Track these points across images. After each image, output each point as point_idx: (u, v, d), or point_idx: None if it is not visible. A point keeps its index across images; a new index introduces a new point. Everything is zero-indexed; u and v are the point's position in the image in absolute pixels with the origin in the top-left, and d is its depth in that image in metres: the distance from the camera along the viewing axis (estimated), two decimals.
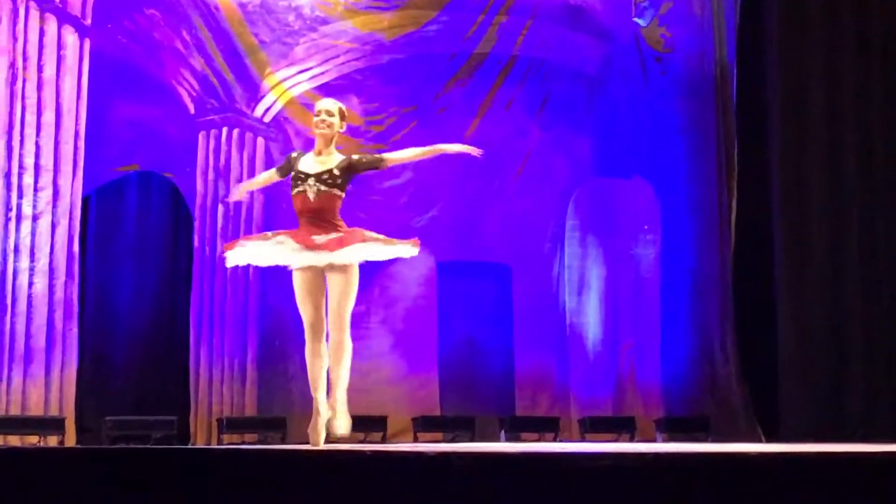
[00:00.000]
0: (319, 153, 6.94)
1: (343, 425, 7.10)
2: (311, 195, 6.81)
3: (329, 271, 6.81)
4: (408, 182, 13.02)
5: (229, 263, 7.06)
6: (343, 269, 6.77)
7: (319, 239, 6.72)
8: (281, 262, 6.96)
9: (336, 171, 6.84)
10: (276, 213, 12.64)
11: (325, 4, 12.65)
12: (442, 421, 12.43)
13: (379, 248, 6.82)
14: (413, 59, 13.05)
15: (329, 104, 7.00)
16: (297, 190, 6.85)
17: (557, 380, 13.26)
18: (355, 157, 6.95)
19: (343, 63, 12.83)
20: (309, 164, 6.93)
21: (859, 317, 12.41)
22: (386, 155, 7.10)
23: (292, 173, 6.92)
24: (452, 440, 11.94)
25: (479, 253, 13.34)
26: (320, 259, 6.72)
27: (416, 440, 12.05)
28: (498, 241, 13.34)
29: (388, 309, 12.87)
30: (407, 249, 6.91)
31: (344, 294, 6.83)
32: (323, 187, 6.82)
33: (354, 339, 12.52)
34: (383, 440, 11.92)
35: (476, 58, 13.31)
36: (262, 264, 7.15)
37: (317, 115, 6.98)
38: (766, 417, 12.72)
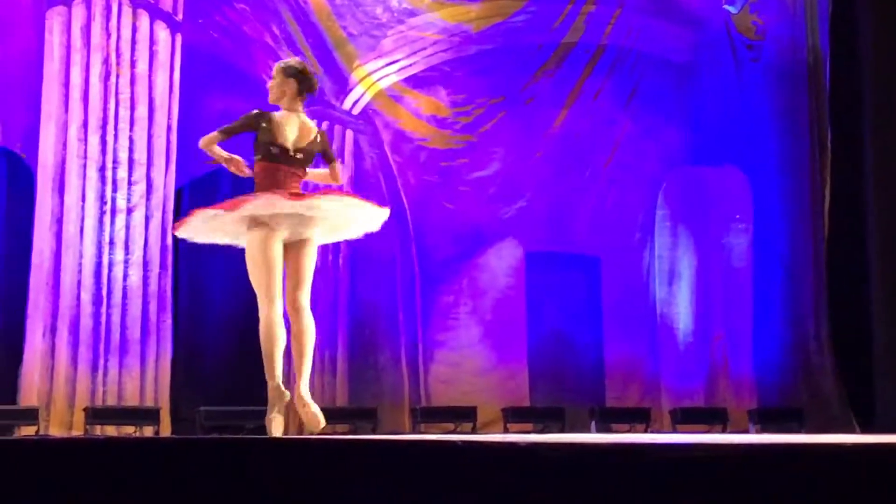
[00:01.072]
0: (289, 116, 6.80)
1: (321, 415, 6.59)
2: (291, 152, 6.70)
3: (296, 237, 6.53)
4: (496, 173, 13.00)
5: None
6: (309, 241, 6.54)
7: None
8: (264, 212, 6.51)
9: (318, 138, 6.82)
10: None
11: None
12: (532, 411, 12.41)
13: (355, 208, 6.73)
14: (500, 49, 13.03)
15: (273, 67, 6.89)
16: (274, 162, 6.71)
17: (648, 370, 13.18)
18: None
19: (431, 55, 12.84)
20: (288, 124, 6.77)
21: None
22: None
23: (267, 142, 6.78)
24: (542, 431, 11.92)
25: (568, 244, 13.29)
26: (303, 207, 6.39)
27: (506, 431, 12.05)
28: (587, 231, 13.28)
29: (477, 299, 12.87)
30: (382, 213, 6.85)
31: (311, 265, 6.58)
32: (303, 147, 6.75)
33: (443, 330, 12.61)
34: (473, 431, 11.93)
35: (564, 48, 13.25)
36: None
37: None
38: (861, 408, 12.55)
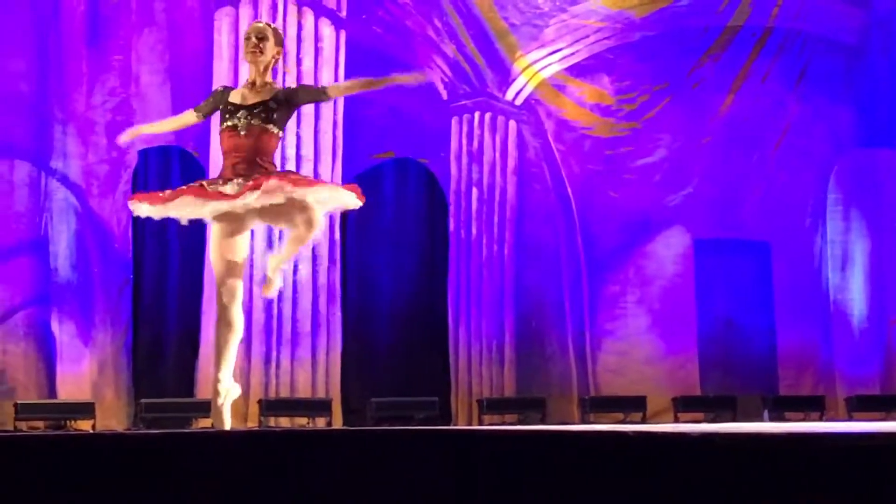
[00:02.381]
0: (253, 84, 6.03)
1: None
2: (241, 129, 5.88)
3: (264, 218, 5.96)
4: (662, 160, 12.86)
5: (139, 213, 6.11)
6: (287, 211, 5.83)
7: (230, 189, 5.79)
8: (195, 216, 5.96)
9: (272, 104, 5.93)
10: (528, 195, 12.69)
11: None
12: (703, 400, 12.25)
13: (320, 194, 5.96)
14: (664, 35, 12.87)
15: (260, 27, 6.13)
16: (225, 124, 5.93)
17: (822, 358, 12.89)
18: (295, 87, 6.21)
19: (594, 42, 12.75)
20: (241, 95, 6.02)
21: None
22: (329, 85, 6.46)
23: (221, 107, 6.01)
24: (713, 420, 11.76)
25: (737, 230, 13.07)
26: (235, 204, 5.75)
27: (676, 420, 11.92)
28: (756, 217, 13.05)
29: (644, 288, 12.76)
30: (352, 199, 6.11)
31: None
32: (255, 121, 5.89)
33: (610, 319, 12.53)
34: (643, 420, 11.84)
35: (729, 31, 13.03)
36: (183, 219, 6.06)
37: (247, 40, 6.06)
38: None
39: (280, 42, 6.12)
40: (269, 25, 6.17)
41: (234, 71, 11.29)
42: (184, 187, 5.97)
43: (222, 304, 5.98)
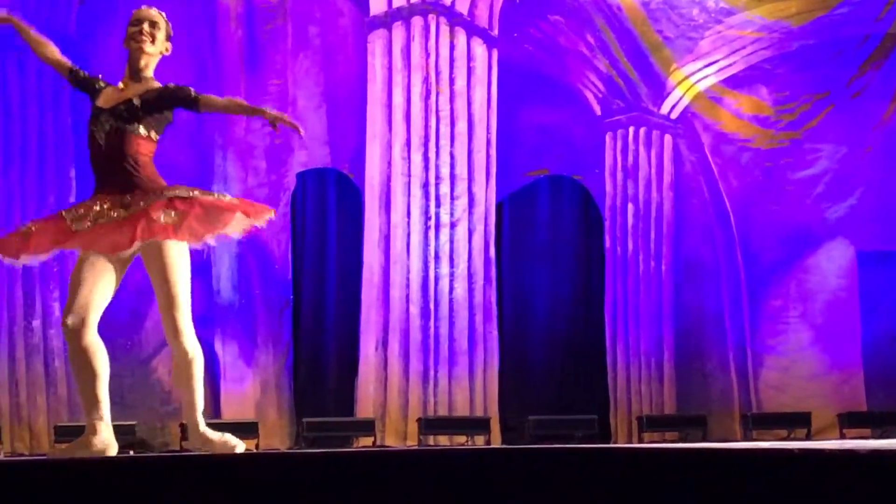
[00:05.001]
0: (127, 81, 5.01)
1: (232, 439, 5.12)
2: (100, 137, 4.87)
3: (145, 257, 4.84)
4: (823, 171, 12.59)
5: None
6: (157, 251, 4.77)
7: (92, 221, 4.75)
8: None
9: (136, 102, 4.89)
10: (685, 210, 12.55)
11: None
12: (870, 416, 11.92)
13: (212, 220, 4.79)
14: (823, 44, 12.61)
15: (153, 13, 5.08)
16: (89, 131, 4.92)
17: None
18: (170, 85, 4.96)
19: (750, 53, 12.56)
20: (109, 95, 4.99)
21: None
22: (203, 96, 4.97)
23: (91, 101, 4.99)
24: (881, 436, 11.44)
25: None
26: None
27: (842, 437, 11.63)
28: None
29: (807, 303, 12.49)
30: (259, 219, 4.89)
31: (167, 282, 4.82)
32: (116, 123, 4.87)
33: (772, 334, 12.26)
34: (807, 437, 11.58)
35: (890, 38, 12.70)
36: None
37: (133, 26, 5.00)
38: None
39: (170, 37, 5.13)
40: (162, 15, 5.11)
41: (387, 92, 11.41)
42: (40, 222, 4.88)
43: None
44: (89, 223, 4.75)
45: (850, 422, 11.71)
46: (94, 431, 4.77)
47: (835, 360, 12.34)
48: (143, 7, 5.09)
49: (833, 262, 12.54)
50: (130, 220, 4.71)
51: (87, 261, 4.77)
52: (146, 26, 4.99)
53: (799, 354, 12.37)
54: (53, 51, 5.12)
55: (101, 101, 4.92)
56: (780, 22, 12.53)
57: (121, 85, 4.98)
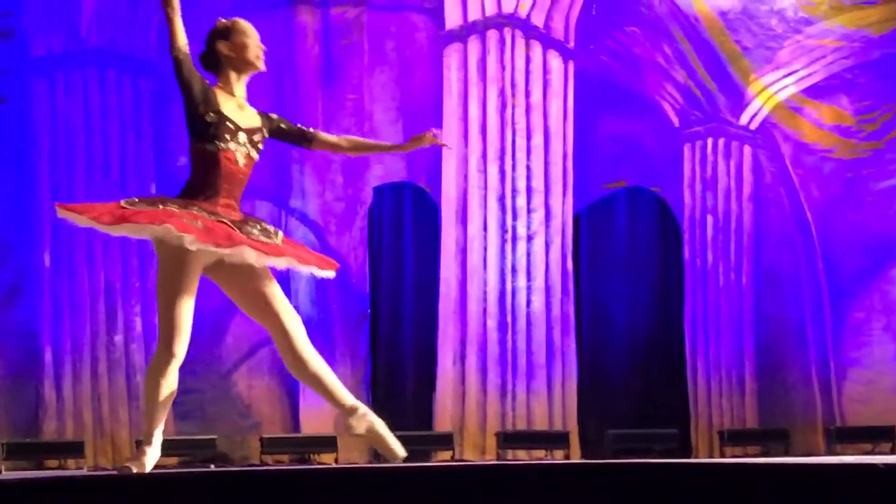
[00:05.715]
0: (241, 100, 4.86)
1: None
2: (239, 158, 4.77)
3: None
4: None
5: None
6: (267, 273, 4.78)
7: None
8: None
9: (265, 135, 4.88)
10: (765, 221, 12.41)
11: (808, 4, 12.28)
12: None
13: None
14: None
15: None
16: (222, 145, 4.70)
17: None
18: (277, 119, 4.91)
19: (831, 62, 12.41)
20: (233, 110, 4.81)
21: None
22: (320, 133, 5.02)
23: (213, 115, 4.73)
24: None
25: None
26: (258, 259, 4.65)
27: None
28: None
29: (891, 315, 12.30)
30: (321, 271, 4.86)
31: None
32: (249, 150, 4.80)
33: (855, 347, 12.10)
34: (892, 451, 11.40)
35: None
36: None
37: (251, 39, 4.84)
38: None
39: None
40: None
41: (463, 106, 11.43)
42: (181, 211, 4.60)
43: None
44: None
45: None
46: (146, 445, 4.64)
47: None
48: (246, 21, 4.91)
49: None
50: (285, 241, 4.80)
51: (189, 290, 4.61)
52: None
53: (883, 367, 12.19)
54: (180, 26, 4.72)
55: (229, 112, 4.74)
56: (860, 31, 12.38)
57: (238, 101, 4.82)
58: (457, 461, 10.45)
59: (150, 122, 10.86)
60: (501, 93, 11.48)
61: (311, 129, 5.02)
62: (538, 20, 11.57)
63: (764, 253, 12.39)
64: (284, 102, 11.13)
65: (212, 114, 4.72)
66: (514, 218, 11.43)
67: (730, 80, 12.37)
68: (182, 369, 4.78)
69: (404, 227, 11.88)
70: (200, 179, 4.73)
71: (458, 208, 11.39)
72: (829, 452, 11.42)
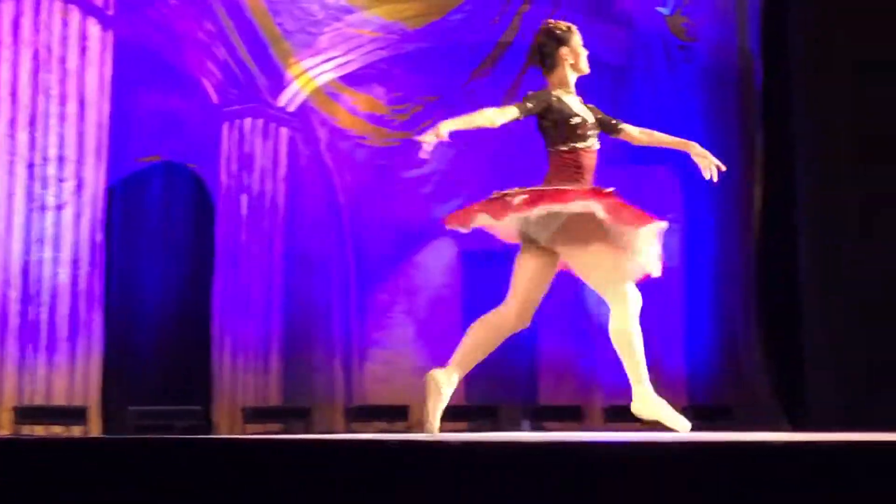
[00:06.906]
0: (578, 99, 5.79)
1: None
2: (593, 151, 5.76)
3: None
4: (432, 172, 12.88)
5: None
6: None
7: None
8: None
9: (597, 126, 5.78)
10: (301, 203, 12.63)
11: None
12: (467, 411, 12.37)
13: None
14: (436, 48, 12.99)
15: None
16: (582, 144, 5.71)
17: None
18: (599, 114, 5.80)
19: (368, 52, 12.78)
20: (578, 105, 5.75)
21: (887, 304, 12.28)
22: (626, 126, 6.00)
23: (562, 118, 5.64)
24: (475, 430, 11.90)
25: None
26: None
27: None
28: None
29: (413, 297, 12.82)
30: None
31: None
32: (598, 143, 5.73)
33: (378, 328, 12.46)
34: (408, 429, 11.89)
35: (501, 46, 13.23)
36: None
37: (582, 47, 5.89)
38: (792, 406, 12.63)
39: None
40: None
41: None
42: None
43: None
44: None
45: (453, 416, 12.07)
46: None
47: (435, 355, 12.72)
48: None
49: (439, 260, 12.92)
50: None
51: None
52: None
53: (403, 348, 12.67)
54: (498, 113, 5.64)
55: (578, 110, 5.63)
56: (397, 23, 12.81)
57: (578, 98, 5.71)
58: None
59: None
60: (35, 56, 11.07)
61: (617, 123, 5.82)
62: None
63: (297, 235, 12.59)
64: None
65: (576, 117, 5.54)
66: (44, 187, 11.05)
67: (271, 62, 12.48)
68: None
69: None
70: (567, 178, 5.52)
71: None
72: (347, 430, 11.79)
